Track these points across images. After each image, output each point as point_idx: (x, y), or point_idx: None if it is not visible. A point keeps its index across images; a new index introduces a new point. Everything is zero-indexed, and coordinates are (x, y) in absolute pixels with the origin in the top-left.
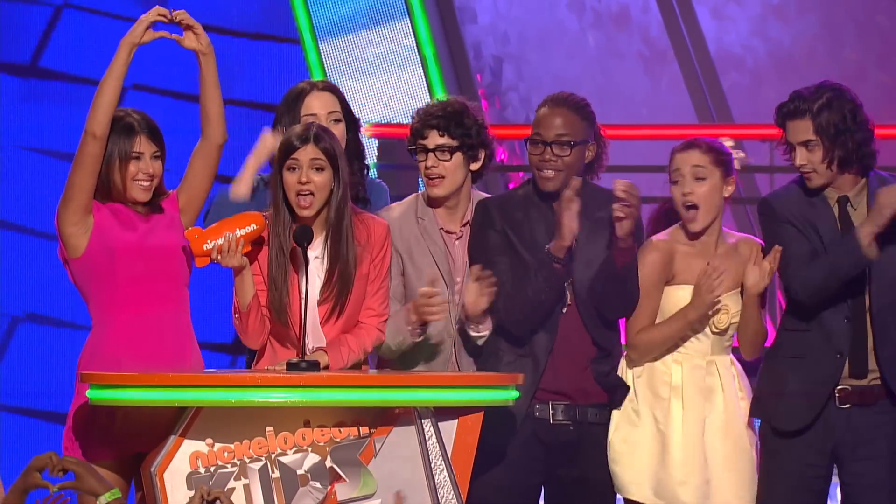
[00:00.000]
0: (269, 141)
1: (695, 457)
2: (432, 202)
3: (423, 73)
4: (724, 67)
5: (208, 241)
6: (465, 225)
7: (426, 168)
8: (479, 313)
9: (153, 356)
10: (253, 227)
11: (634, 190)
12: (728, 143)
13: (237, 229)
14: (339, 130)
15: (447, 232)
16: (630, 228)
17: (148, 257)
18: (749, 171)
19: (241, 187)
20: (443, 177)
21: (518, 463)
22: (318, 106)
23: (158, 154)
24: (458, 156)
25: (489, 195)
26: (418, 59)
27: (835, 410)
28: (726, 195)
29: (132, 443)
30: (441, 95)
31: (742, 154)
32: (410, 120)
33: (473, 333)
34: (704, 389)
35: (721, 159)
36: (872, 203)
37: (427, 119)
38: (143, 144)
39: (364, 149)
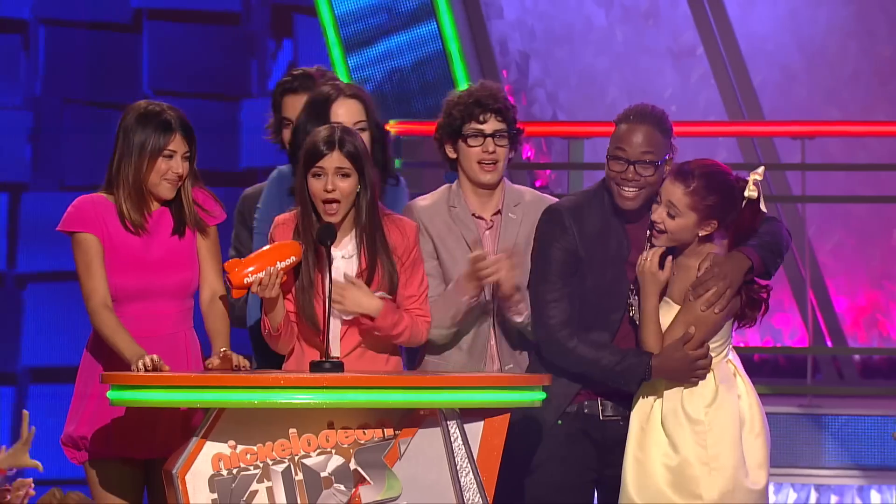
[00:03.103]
0: None
1: None
2: (483, 186)
3: (448, 70)
4: (755, 63)
5: (249, 275)
6: (495, 214)
7: (485, 153)
8: (513, 290)
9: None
10: (292, 259)
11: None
12: (756, 176)
13: (277, 262)
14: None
15: (477, 218)
16: None
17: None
18: (780, 169)
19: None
20: (497, 162)
21: (570, 460)
22: (343, 114)
23: (189, 154)
24: (508, 143)
25: (524, 187)
26: (444, 55)
27: None
28: (702, 234)
29: (145, 446)
30: (475, 82)
31: (758, 176)
32: (450, 104)
33: (516, 319)
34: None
35: (699, 205)
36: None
37: (484, 103)
38: (177, 143)
39: (391, 162)
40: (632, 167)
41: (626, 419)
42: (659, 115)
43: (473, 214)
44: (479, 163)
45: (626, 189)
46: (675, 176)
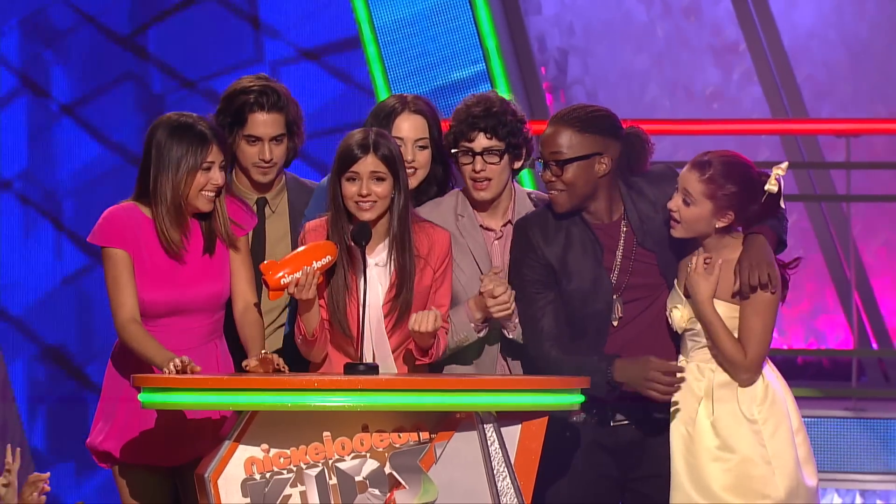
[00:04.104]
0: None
1: None
2: (477, 205)
3: (485, 67)
4: (799, 59)
5: (285, 276)
6: (505, 224)
7: (473, 171)
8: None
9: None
10: (328, 258)
11: (671, 377)
12: (779, 171)
13: (314, 262)
14: (422, 157)
15: (487, 229)
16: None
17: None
18: (825, 167)
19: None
20: (490, 179)
21: (585, 472)
22: (406, 129)
23: (225, 164)
24: (504, 157)
25: (530, 190)
26: (481, 52)
27: None
28: (719, 225)
29: (174, 452)
30: (480, 92)
31: (781, 171)
32: (451, 118)
33: (507, 335)
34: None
35: (716, 193)
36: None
37: (472, 121)
38: (214, 154)
39: (448, 182)
40: (548, 170)
41: (637, 421)
42: (579, 116)
43: (481, 226)
44: (471, 180)
45: (550, 192)
46: (693, 165)
